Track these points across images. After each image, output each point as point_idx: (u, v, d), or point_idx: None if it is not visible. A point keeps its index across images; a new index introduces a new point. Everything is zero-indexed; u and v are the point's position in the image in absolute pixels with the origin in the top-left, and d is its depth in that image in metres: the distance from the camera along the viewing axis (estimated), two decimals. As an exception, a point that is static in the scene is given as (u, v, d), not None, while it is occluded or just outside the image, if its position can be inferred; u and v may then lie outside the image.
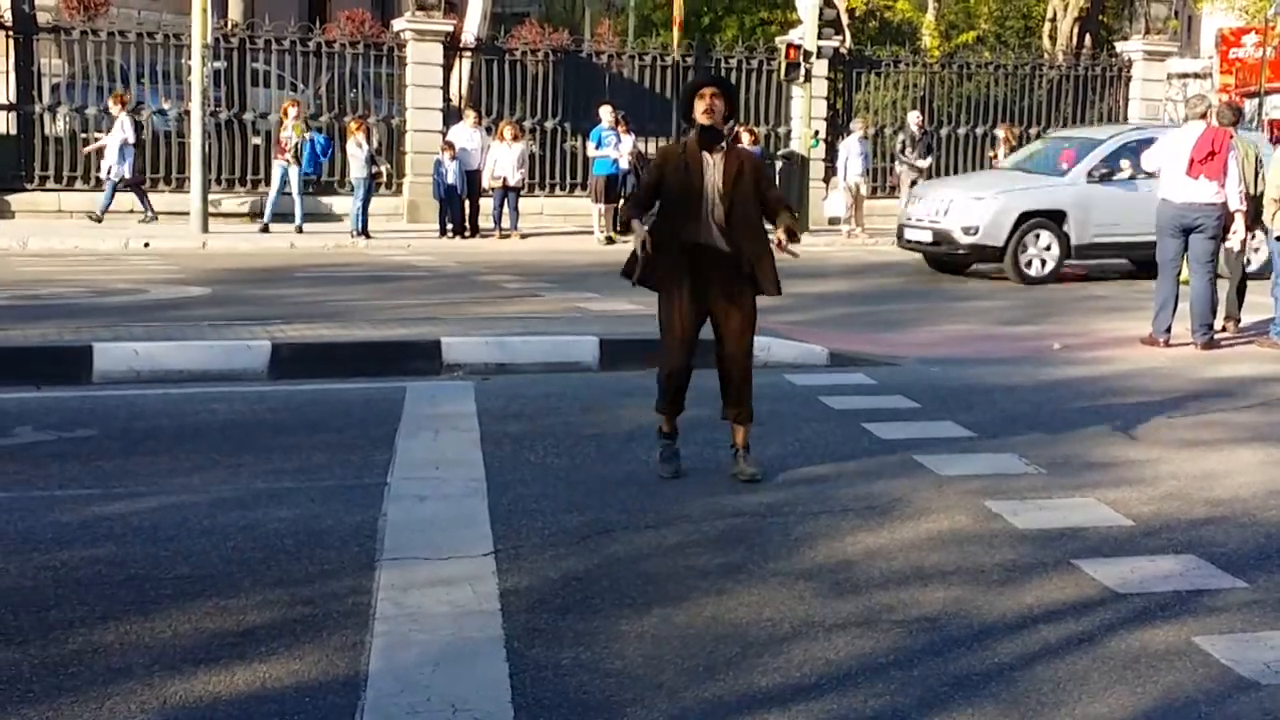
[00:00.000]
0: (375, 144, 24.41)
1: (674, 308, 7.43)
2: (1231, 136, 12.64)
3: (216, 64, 24.79)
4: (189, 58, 23.31)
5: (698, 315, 7.48)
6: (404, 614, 5.44)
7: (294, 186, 22.83)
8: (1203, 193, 12.36)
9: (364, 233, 22.54)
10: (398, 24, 26.58)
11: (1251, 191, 12.84)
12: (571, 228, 25.28)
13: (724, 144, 7.43)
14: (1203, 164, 12.29)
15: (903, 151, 25.76)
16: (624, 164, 23.60)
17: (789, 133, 27.77)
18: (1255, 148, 13.73)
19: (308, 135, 23.15)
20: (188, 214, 22.44)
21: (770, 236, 7.44)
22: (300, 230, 22.59)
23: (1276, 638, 5.42)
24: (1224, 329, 13.42)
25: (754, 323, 7.62)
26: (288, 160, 22.69)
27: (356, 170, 22.84)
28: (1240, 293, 13.85)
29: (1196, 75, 44.54)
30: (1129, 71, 30.41)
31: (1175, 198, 12.52)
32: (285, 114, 23.06)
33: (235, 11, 32.17)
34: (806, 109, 26.80)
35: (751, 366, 7.67)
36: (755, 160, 7.72)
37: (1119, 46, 31.65)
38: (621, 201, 23.34)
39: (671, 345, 7.49)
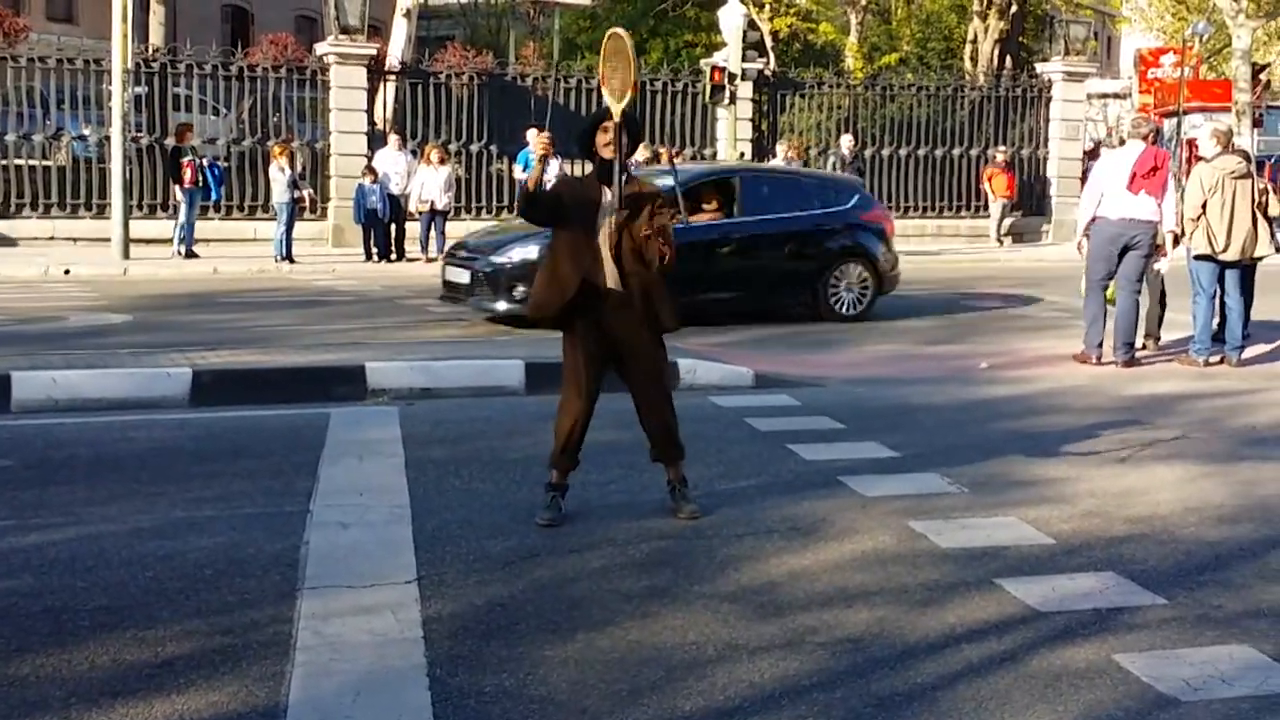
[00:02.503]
0: (299, 168, 24.29)
1: (577, 357, 7.19)
2: (1169, 155, 12.79)
3: (137, 89, 24.58)
4: (109, 83, 23.13)
5: (601, 364, 7.23)
6: (325, 643, 5.39)
7: (186, 212, 22.63)
8: (1142, 209, 12.46)
9: (288, 257, 22.41)
10: (321, 48, 26.48)
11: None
12: (498, 251, 25.19)
13: (624, 178, 7.06)
14: (1145, 178, 12.40)
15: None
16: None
17: (715, 154, 27.88)
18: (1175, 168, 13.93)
19: (204, 160, 23.03)
20: (109, 240, 22.21)
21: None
22: (193, 255, 22.43)
23: (1195, 654, 5.47)
24: (1144, 347, 13.57)
25: (661, 370, 7.36)
26: (195, 186, 22.52)
27: (279, 195, 22.71)
28: (1160, 311, 13.99)
29: (1116, 95, 45.21)
30: (1049, 92, 30.80)
31: (1113, 214, 12.59)
32: (184, 138, 22.86)
33: (156, 36, 31.97)
34: (732, 131, 26.92)
35: (671, 413, 7.35)
36: (654, 191, 7.26)
37: (1039, 67, 32.04)
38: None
39: (572, 397, 7.24)
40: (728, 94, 26.40)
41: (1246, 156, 13.35)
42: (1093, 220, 12.77)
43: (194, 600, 5.93)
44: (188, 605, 5.87)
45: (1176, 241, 12.99)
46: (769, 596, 6.13)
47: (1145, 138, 12.81)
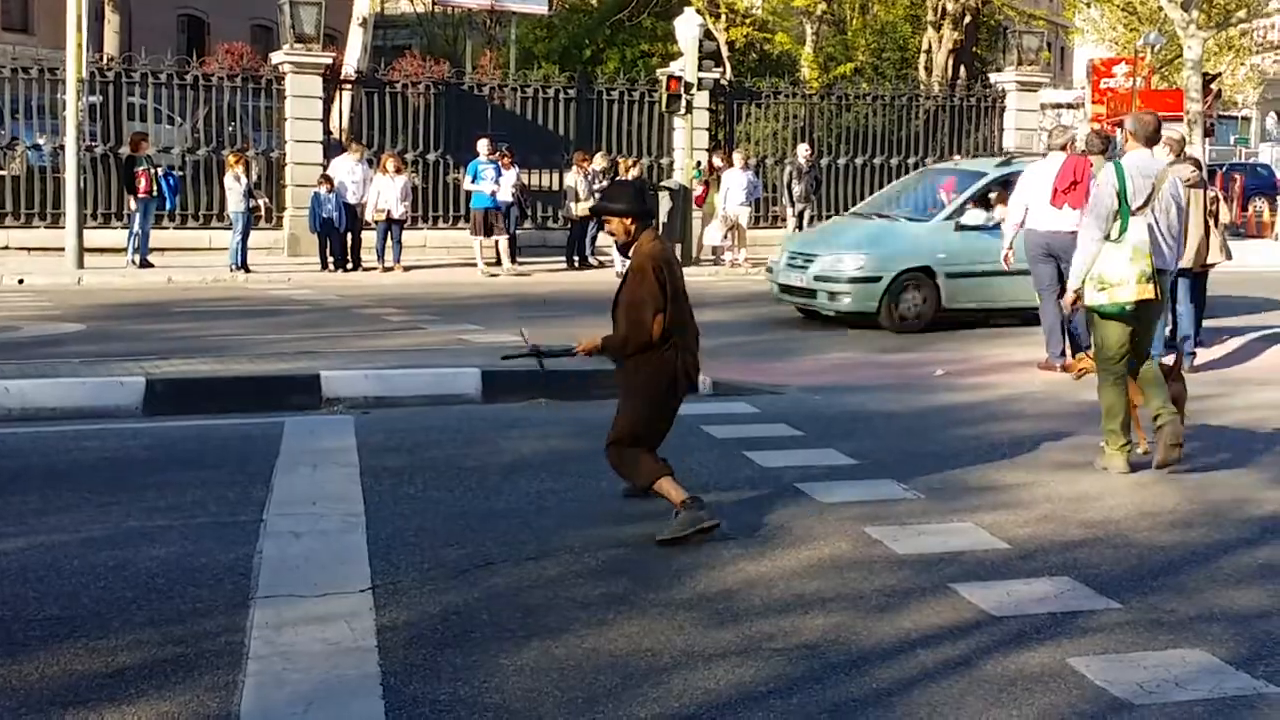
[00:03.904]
0: (254, 177, 24.16)
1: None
2: (1091, 164, 12.91)
3: (92, 98, 24.40)
4: (64, 92, 22.95)
5: None
6: (277, 652, 5.35)
7: (141, 222, 22.49)
8: (1066, 221, 12.60)
9: (243, 267, 22.28)
10: (276, 57, 26.34)
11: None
12: (454, 260, 25.17)
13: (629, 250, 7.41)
14: (1066, 194, 12.55)
15: (789, 184, 25.96)
16: (506, 196, 23.54)
17: (671, 164, 27.90)
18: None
19: (159, 169, 22.89)
20: (63, 250, 22.05)
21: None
22: (148, 264, 22.30)
23: (1149, 658, 5.50)
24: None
25: (622, 418, 7.38)
26: (150, 196, 22.38)
27: (234, 204, 22.56)
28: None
29: (1069, 105, 45.46)
30: (1003, 102, 30.96)
31: (1040, 226, 12.80)
32: (139, 147, 22.72)
33: (111, 45, 31.70)
34: (688, 140, 26.94)
35: (618, 457, 7.36)
36: (636, 260, 7.31)
37: (993, 78, 32.20)
38: (504, 235, 23.41)
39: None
40: (684, 103, 26.42)
41: (1199, 165, 13.47)
42: (1025, 230, 13.00)
43: (146, 610, 5.88)
44: (140, 615, 5.82)
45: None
46: (725, 604, 6.13)
47: (1063, 148, 12.97)
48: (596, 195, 20.85)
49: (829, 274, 16.53)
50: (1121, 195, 8.55)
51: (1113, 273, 8.53)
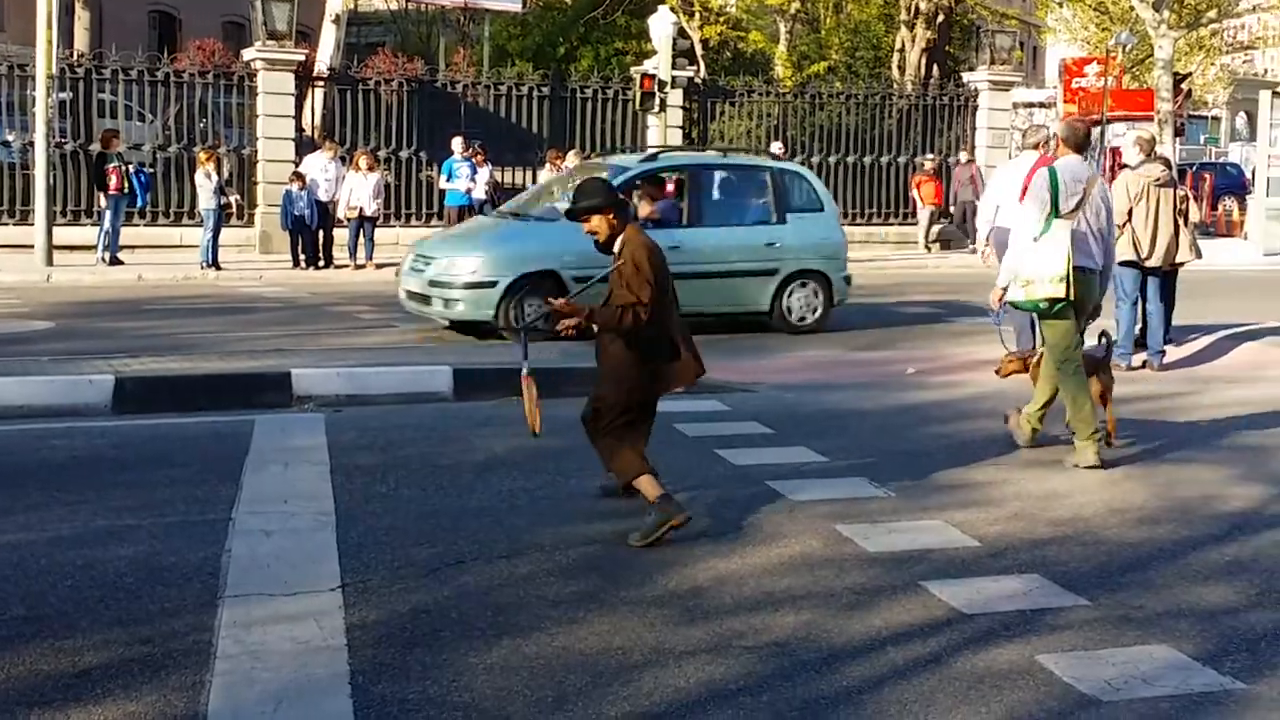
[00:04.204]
0: (225, 174, 24.07)
1: None
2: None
3: (62, 95, 24.27)
4: (34, 88, 22.82)
5: None
6: (246, 652, 5.33)
7: (111, 219, 22.38)
8: None
9: (214, 264, 22.19)
10: (248, 53, 26.25)
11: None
12: (427, 258, 25.08)
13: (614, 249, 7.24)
14: None
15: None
16: (479, 194, 23.49)
17: (645, 162, 27.87)
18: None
19: (129, 166, 22.78)
20: (32, 247, 21.94)
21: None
22: (118, 261, 22.18)
23: (1117, 655, 5.52)
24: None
25: (596, 403, 7.39)
26: (121, 193, 22.28)
27: (205, 201, 22.44)
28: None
29: (1041, 104, 45.63)
30: (975, 101, 31.04)
31: (1009, 224, 12.78)
32: (110, 144, 22.60)
33: (81, 41, 31.54)
34: (662, 138, 26.95)
35: (597, 438, 7.37)
36: (628, 252, 7.14)
37: (965, 77, 32.30)
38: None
39: None
40: (658, 101, 26.45)
41: (1169, 164, 13.52)
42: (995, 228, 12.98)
43: (114, 609, 5.85)
44: (107, 614, 5.79)
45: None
46: (695, 601, 6.13)
47: (1036, 147, 12.99)
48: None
49: (443, 278, 14.85)
50: (1054, 198, 8.95)
51: (1030, 271, 8.95)
